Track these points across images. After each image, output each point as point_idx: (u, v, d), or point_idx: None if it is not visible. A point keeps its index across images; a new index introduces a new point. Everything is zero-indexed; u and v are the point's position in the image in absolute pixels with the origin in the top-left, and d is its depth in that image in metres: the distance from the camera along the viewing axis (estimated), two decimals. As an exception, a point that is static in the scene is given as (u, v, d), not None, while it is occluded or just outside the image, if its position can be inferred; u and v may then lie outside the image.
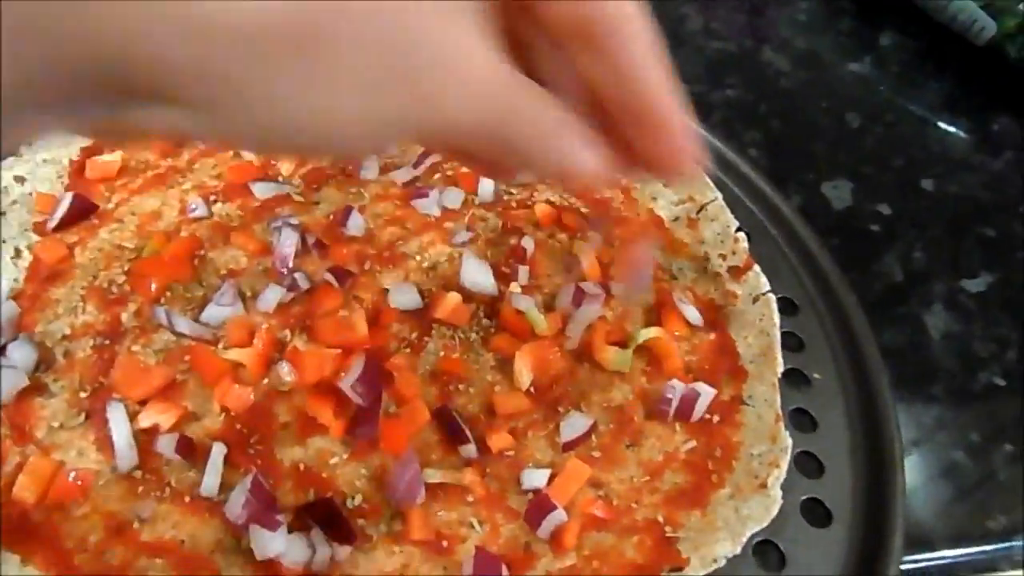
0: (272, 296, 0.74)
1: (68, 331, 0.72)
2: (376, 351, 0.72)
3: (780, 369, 0.74)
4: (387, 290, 0.77)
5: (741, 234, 0.84)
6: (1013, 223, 0.98)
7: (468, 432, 0.68)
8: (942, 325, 0.88)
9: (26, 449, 0.65)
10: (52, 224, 0.78)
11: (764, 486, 0.67)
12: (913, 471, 0.76)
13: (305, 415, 0.68)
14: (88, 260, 0.77)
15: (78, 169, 0.83)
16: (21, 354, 0.68)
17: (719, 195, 0.87)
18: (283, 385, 0.70)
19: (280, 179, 0.86)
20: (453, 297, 0.76)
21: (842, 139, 1.06)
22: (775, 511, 0.65)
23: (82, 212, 0.79)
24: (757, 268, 0.82)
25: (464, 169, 0.89)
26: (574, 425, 0.70)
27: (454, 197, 0.86)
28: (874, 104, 1.11)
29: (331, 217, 0.83)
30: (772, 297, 0.79)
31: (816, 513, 0.69)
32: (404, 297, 0.76)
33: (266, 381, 0.70)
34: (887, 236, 0.95)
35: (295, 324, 0.74)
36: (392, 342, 0.74)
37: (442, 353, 0.74)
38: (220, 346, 0.72)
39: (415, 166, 0.88)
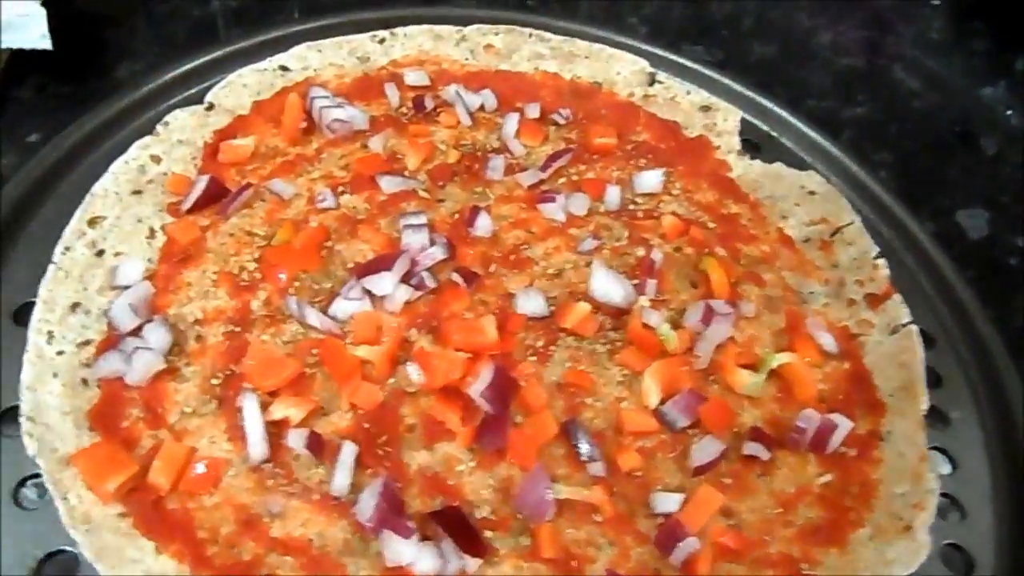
0: (400, 295, 0.73)
1: (200, 315, 0.72)
2: (503, 358, 0.71)
3: (925, 406, 0.71)
4: (512, 295, 0.76)
5: (882, 260, 0.80)
6: None
7: (596, 449, 0.66)
8: (1084, 367, 0.83)
9: (159, 433, 0.65)
10: (186, 206, 0.78)
11: (909, 529, 0.64)
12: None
13: (432, 419, 0.67)
14: (219, 244, 0.77)
15: (211, 152, 0.84)
16: (157, 336, 0.68)
17: (858, 218, 0.83)
18: (410, 386, 0.69)
19: (406, 173, 0.85)
20: (582, 307, 0.74)
21: (976, 165, 1.01)
22: (923, 557, 0.62)
23: (215, 195, 0.79)
24: (898, 297, 0.78)
25: (589, 176, 0.87)
26: (705, 449, 0.67)
27: (580, 203, 0.84)
28: (1009, 131, 1.06)
29: (456, 216, 0.82)
30: (915, 329, 0.76)
31: (955, 560, 0.66)
32: (532, 303, 0.75)
33: (393, 380, 0.69)
34: (1026, 271, 0.90)
35: (422, 324, 0.73)
36: (519, 349, 0.73)
37: (568, 364, 0.72)
38: (347, 342, 0.71)
39: (542, 169, 0.86)
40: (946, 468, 0.71)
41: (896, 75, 1.10)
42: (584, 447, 0.66)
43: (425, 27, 0.96)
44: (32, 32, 0.88)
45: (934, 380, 0.76)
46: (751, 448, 0.68)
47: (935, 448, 0.72)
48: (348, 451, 0.63)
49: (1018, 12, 1.17)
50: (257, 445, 0.63)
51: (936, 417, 0.74)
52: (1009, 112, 1.09)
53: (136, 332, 0.68)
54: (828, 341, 0.76)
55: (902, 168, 0.98)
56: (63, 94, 0.91)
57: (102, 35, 0.99)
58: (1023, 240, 0.93)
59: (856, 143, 1.00)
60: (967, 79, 1.12)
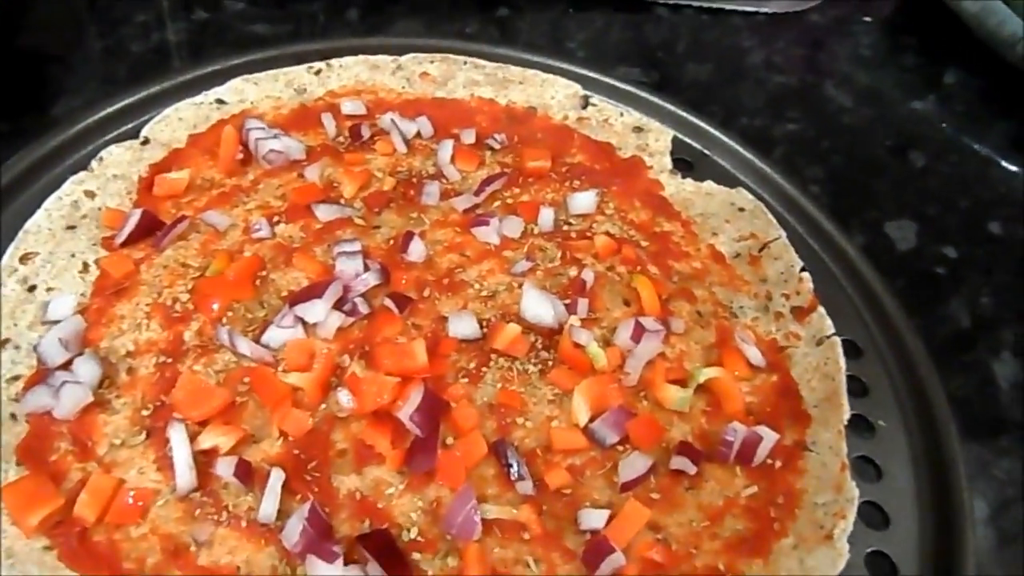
0: (333, 321, 0.74)
1: (132, 347, 0.72)
2: (434, 380, 0.72)
3: (846, 416, 0.73)
4: (446, 318, 0.77)
5: (806, 274, 0.82)
6: (1084, 270, 0.95)
7: (525, 468, 0.67)
8: (1011, 374, 0.85)
9: (87, 465, 0.65)
10: (120, 239, 0.79)
11: (830, 538, 0.65)
12: (981, 526, 0.73)
13: (362, 443, 0.68)
14: (153, 277, 0.77)
15: (147, 186, 0.84)
16: (86, 370, 0.69)
17: (783, 233, 0.86)
18: (341, 411, 0.69)
19: (342, 201, 0.86)
20: (512, 328, 0.75)
21: (906, 178, 1.03)
22: (842, 565, 0.63)
23: (149, 228, 0.80)
24: (822, 310, 0.80)
25: (524, 199, 0.89)
26: (633, 465, 0.69)
27: (514, 226, 0.85)
28: (938, 143, 1.09)
29: (391, 242, 0.83)
30: (837, 340, 0.78)
31: (880, 567, 0.67)
32: (463, 326, 0.76)
33: (324, 406, 0.70)
34: (953, 280, 0.93)
35: (355, 349, 0.74)
36: (450, 371, 0.74)
37: (500, 385, 0.73)
38: (280, 369, 0.72)
39: (476, 193, 0.87)
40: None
41: (828, 92, 1.13)
42: (513, 466, 0.67)
43: (361, 57, 0.98)
44: (-32, 71, 0.89)
45: (861, 390, 0.78)
46: (678, 463, 0.69)
47: (861, 457, 0.74)
48: (275, 478, 0.64)
49: (948, 27, 1.20)
50: (184, 475, 0.64)
51: (863, 426, 0.76)
52: (941, 125, 1.13)
53: (66, 366, 0.69)
54: (755, 355, 0.78)
55: (833, 182, 1.00)
56: (-1, 131, 0.92)
57: (40, 72, 1.00)
58: (950, 250, 0.95)
59: (788, 159, 1.02)
60: (898, 94, 1.15)
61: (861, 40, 1.23)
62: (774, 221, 0.87)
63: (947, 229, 0.98)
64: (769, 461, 0.71)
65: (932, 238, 0.96)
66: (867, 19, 1.26)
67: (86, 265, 0.77)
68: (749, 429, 0.71)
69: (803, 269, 0.83)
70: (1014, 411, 0.82)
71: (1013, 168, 1.08)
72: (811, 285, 0.82)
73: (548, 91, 0.98)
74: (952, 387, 0.81)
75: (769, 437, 0.71)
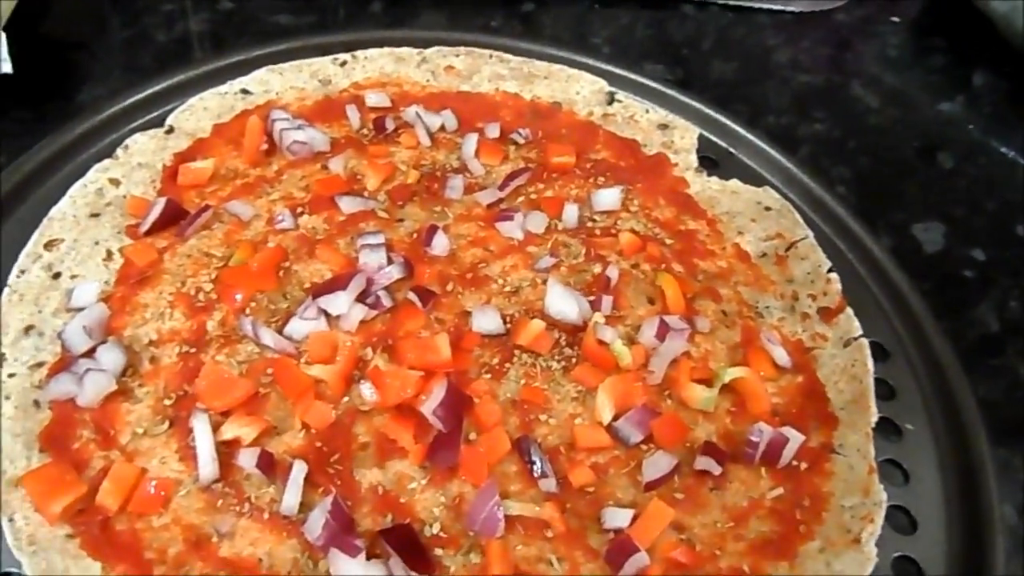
0: (356, 314, 0.73)
1: (155, 336, 0.72)
2: (457, 375, 0.71)
3: (874, 419, 0.72)
4: (469, 312, 0.76)
5: (834, 275, 0.81)
6: (1114, 275, 0.94)
7: (549, 466, 0.66)
8: (1039, 380, 0.84)
9: (110, 454, 0.65)
10: (144, 228, 0.79)
11: (857, 541, 0.64)
12: (1009, 531, 0.72)
13: (385, 437, 0.68)
14: (176, 266, 0.77)
15: (171, 175, 0.84)
16: (110, 358, 0.69)
17: (810, 233, 0.85)
18: (364, 405, 0.69)
19: (365, 194, 0.85)
20: (536, 325, 0.75)
21: (933, 180, 1.02)
22: (870, 569, 0.62)
23: (173, 217, 0.79)
24: (850, 311, 0.79)
25: (548, 194, 0.88)
26: (657, 464, 0.68)
27: (538, 221, 0.85)
28: (966, 145, 1.07)
29: (415, 235, 0.82)
30: (865, 342, 0.77)
31: (908, 572, 0.66)
32: (487, 321, 0.75)
33: (347, 399, 0.70)
34: (981, 283, 0.91)
35: (377, 343, 0.73)
36: (473, 367, 0.73)
37: (523, 381, 0.72)
38: (303, 361, 0.71)
39: (500, 188, 0.87)
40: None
41: (855, 91, 1.12)
42: (536, 463, 0.67)
43: (386, 50, 0.97)
44: (-7, 57, 0.89)
45: (888, 393, 0.77)
46: (703, 463, 0.69)
47: (888, 460, 0.73)
48: (298, 470, 0.64)
49: (976, 28, 1.19)
50: (207, 465, 0.63)
51: (890, 429, 0.75)
52: (968, 127, 1.11)
53: (89, 354, 0.69)
54: (782, 355, 0.77)
55: (859, 183, 0.99)
56: (24, 119, 0.92)
57: (65, 60, 1.00)
58: (978, 252, 0.94)
59: (814, 159, 1.01)
60: (925, 95, 1.14)
61: (888, 40, 1.21)
62: (801, 221, 0.86)
63: (975, 231, 0.96)
64: (795, 463, 0.70)
65: (960, 240, 0.95)
66: (894, 19, 1.24)
67: (110, 253, 0.77)
68: (775, 430, 0.70)
69: (831, 270, 0.82)
70: (1043, 417, 0.81)
71: (1043, 170, 1.07)
72: (839, 286, 0.81)
73: (573, 86, 0.98)
74: (980, 391, 0.80)
75: (795, 439, 0.70)
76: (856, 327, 0.78)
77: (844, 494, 0.68)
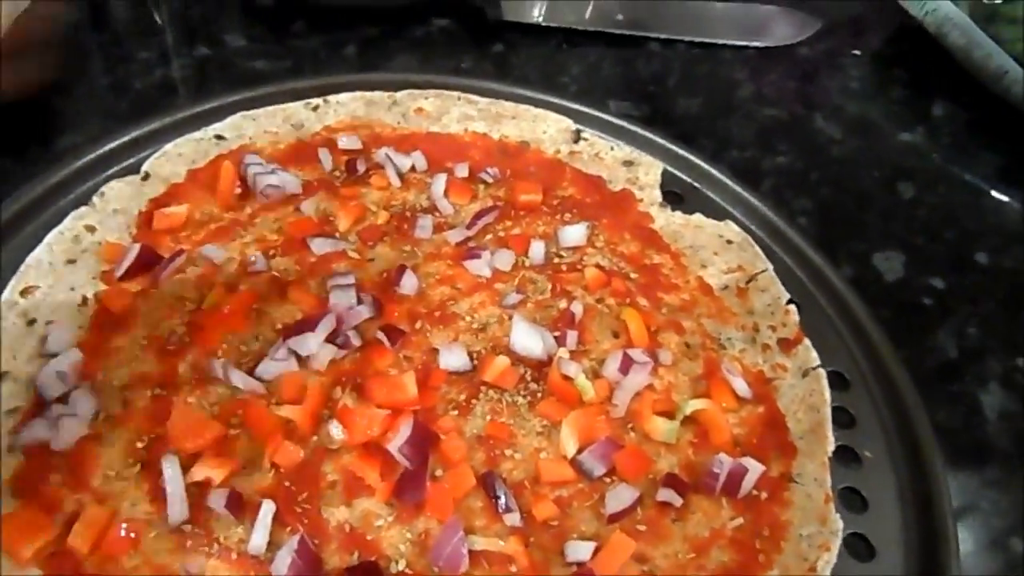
0: (325, 354, 0.75)
1: (128, 380, 0.74)
2: (424, 412, 0.73)
3: (831, 448, 0.73)
4: (437, 350, 0.78)
5: (792, 307, 0.84)
6: (1070, 301, 0.96)
7: (513, 500, 0.68)
8: (998, 404, 0.86)
9: (82, 497, 0.66)
10: (119, 273, 0.80)
11: (814, 570, 0.66)
12: (967, 559, 0.74)
13: (352, 475, 0.69)
14: (150, 310, 0.79)
15: (146, 220, 0.86)
16: (83, 402, 0.70)
17: (770, 266, 0.87)
18: (332, 443, 0.71)
19: (337, 235, 0.88)
20: (502, 361, 0.76)
21: (894, 209, 1.05)
22: (825, 598, 0.64)
23: (148, 262, 0.81)
24: (807, 342, 0.81)
25: (516, 232, 0.91)
26: (620, 496, 0.70)
27: (505, 259, 0.87)
28: (926, 174, 1.10)
29: (384, 275, 0.84)
30: (823, 372, 0.79)
31: (866, 599, 0.68)
32: (454, 359, 0.77)
33: (315, 438, 0.71)
34: (940, 311, 0.94)
35: (347, 381, 0.75)
36: (440, 404, 0.75)
37: (489, 417, 0.74)
38: (273, 401, 0.73)
39: (468, 227, 0.89)
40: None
41: (817, 124, 1.15)
42: (501, 498, 0.68)
43: (357, 93, 1.00)
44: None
45: (848, 421, 0.79)
46: (664, 495, 0.70)
47: (848, 488, 0.74)
48: (266, 510, 0.65)
49: (936, 60, 1.22)
50: (177, 506, 0.65)
51: (850, 457, 0.76)
52: (930, 156, 1.14)
53: (63, 399, 0.70)
54: (742, 386, 0.79)
55: (821, 214, 1.02)
56: (2, 166, 0.94)
57: (45, 108, 1.03)
58: (938, 281, 0.97)
59: (777, 191, 1.04)
60: (887, 126, 1.17)
61: (850, 73, 1.25)
62: (761, 253, 0.88)
63: (934, 260, 0.99)
64: (755, 492, 0.72)
65: (919, 269, 0.97)
66: (856, 52, 1.28)
67: (85, 299, 0.79)
68: (735, 460, 0.72)
69: (790, 301, 0.84)
70: (1001, 441, 0.83)
71: (1001, 198, 1.10)
72: (796, 317, 0.83)
73: (540, 126, 1.00)
74: (939, 418, 0.82)
75: (755, 469, 0.71)
76: (813, 357, 0.80)
77: (802, 523, 0.70)
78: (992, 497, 0.79)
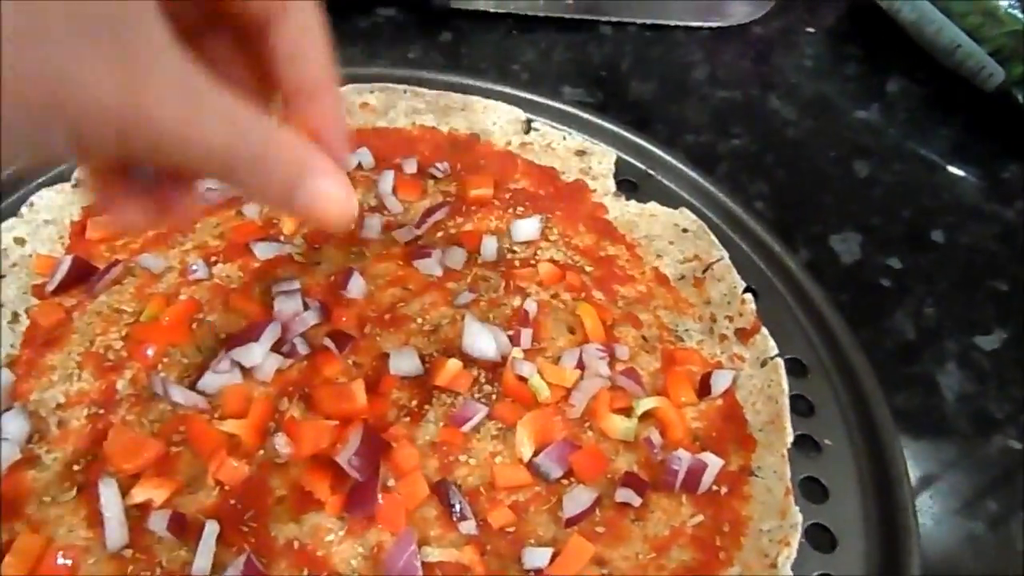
0: (270, 364, 0.73)
1: (63, 400, 0.71)
2: (375, 420, 0.71)
3: (790, 439, 0.72)
4: (387, 355, 0.76)
5: (748, 296, 0.82)
6: (1025, 276, 0.96)
7: (468, 508, 0.66)
8: (956, 385, 0.86)
9: (15, 525, 0.63)
10: (51, 287, 0.77)
11: (774, 566, 0.65)
12: (928, 541, 0.73)
13: (301, 489, 0.67)
14: (85, 324, 0.76)
15: (79, 229, 0.83)
16: (14, 425, 0.67)
17: (725, 254, 0.85)
18: (279, 457, 0.68)
19: (281, 239, 0.85)
20: (454, 364, 0.74)
21: (850, 189, 1.04)
22: (785, 594, 0.63)
23: (82, 274, 0.78)
24: (765, 331, 0.80)
25: (467, 228, 0.88)
26: (577, 499, 0.68)
27: (457, 256, 0.84)
28: (882, 152, 1.10)
29: (332, 278, 0.82)
30: (780, 362, 0.77)
31: (828, 589, 0.67)
32: (404, 363, 0.75)
33: (262, 453, 0.69)
34: (898, 291, 0.93)
35: (293, 392, 0.73)
36: (392, 410, 0.73)
37: (442, 423, 0.72)
38: (216, 416, 0.70)
39: (417, 225, 0.87)
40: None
41: (772, 104, 1.13)
42: (456, 506, 0.67)
43: (300, 89, 0.96)
44: None
45: (807, 409, 0.78)
46: (623, 495, 0.69)
47: (808, 478, 0.74)
48: (209, 531, 0.63)
49: (890, 35, 1.21)
50: (115, 531, 0.62)
51: (810, 446, 0.76)
52: (884, 133, 1.13)
53: (-7, 423, 0.67)
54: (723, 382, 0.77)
55: (777, 197, 1.01)
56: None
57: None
58: (894, 261, 0.96)
59: (733, 175, 1.02)
60: (842, 103, 1.16)
61: (805, 51, 1.24)
62: (716, 241, 0.87)
63: (891, 240, 0.98)
64: (715, 488, 0.71)
65: (876, 249, 0.97)
66: (810, 30, 1.26)
67: (16, 315, 0.76)
68: (694, 456, 0.70)
69: (746, 290, 0.83)
70: (959, 422, 0.83)
71: (957, 172, 1.09)
72: (753, 306, 0.82)
73: (490, 117, 0.98)
74: (898, 400, 0.82)
75: (714, 464, 0.70)
76: (771, 347, 0.79)
77: (763, 517, 0.69)
78: (950, 478, 0.79)
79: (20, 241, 0.80)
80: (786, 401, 0.75)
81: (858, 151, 1.09)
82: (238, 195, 0.88)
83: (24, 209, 0.82)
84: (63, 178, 0.86)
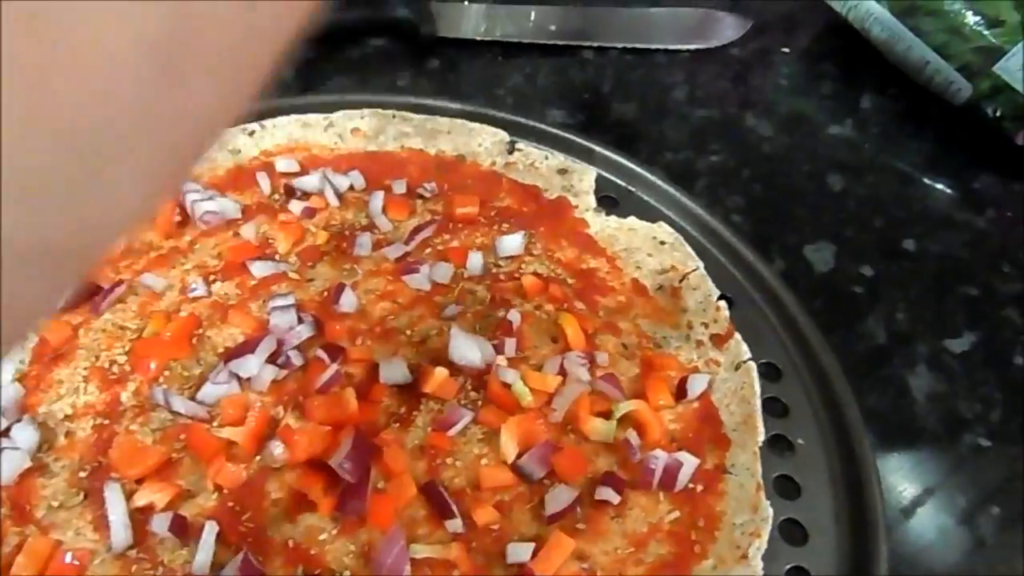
0: (266, 375, 0.77)
1: (70, 411, 0.75)
2: (366, 426, 0.75)
3: (761, 437, 0.76)
4: (378, 365, 0.80)
5: (722, 302, 0.86)
6: (995, 281, 1.00)
7: (454, 506, 0.70)
8: (926, 386, 0.89)
9: (26, 529, 0.67)
10: (59, 306, 0.81)
11: (745, 557, 0.68)
12: (900, 538, 0.77)
13: (296, 492, 0.71)
14: (91, 341, 0.80)
15: (83, 253, 0.87)
16: (24, 436, 0.71)
17: (701, 264, 0.89)
18: (275, 462, 0.72)
19: (277, 257, 0.89)
20: (440, 372, 0.78)
21: (824, 201, 1.08)
22: (755, 582, 0.66)
23: (88, 294, 0.82)
24: (738, 336, 0.84)
25: (454, 244, 0.93)
26: (559, 498, 0.72)
27: (444, 271, 0.89)
28: (856, 165, 1.14)
29: (325, 294, 0.86)
30: (753, 365, 0.81)
31: (800, 582, 0.70)
32: (394, 372, 0.79)
33: (258, 458, 0.73)
34: (870, 298, 0.97)
35: (288, 401, 0.76)
36: (382, 417, 0.76)
37: (430, 428, 0.76)
38: (215, 424, 0.74)
39: (406, 243, 0.91)
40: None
41: (749, 122, 1.18)
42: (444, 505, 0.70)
43: (293, 117, 1.01)
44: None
45: (781, 410, 0.82)
46: (603, 493, 0.72)
47: (782, 476, 0.77)
48: (208, 530, 0.66)
49: (863, 54, 1.26)
50: (120, 533, 0.66)
51: (783, 445, 0.79)
52: (860, 146, 1.18)
53: (5, 433, 0.71)
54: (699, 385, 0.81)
55: (753, 210, 1.05)
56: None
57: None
58: (867, 269, 1.00)
59: (711, 190, 1.07)
60: (817, 120, 1.21)
61: (781, 71, 1.28)
62: (692, 252, 0.91)
63: (864, 249, 1.02)
64: (691, 486, 0.74)
65: (849, 258, 1.01)
66: (786, 50, 1.31)
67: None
68: (670, 455, 0.74)
69: (720, 297, 0.87)
70: (929, 422, 0.86)
71: (928, 183, 1.13)
72: (727, 313, 0.85)
73: (476, 139, 1.02)
74: (869, 402, 0.85)
75: (690, 463, 0.74)
76: (745, 351, 0.83)
77: (736, 512, 0.72)
78: (920, 478, 0.82)
79: (29, 264, 0.84)
80: (758, 402, 0.78)
81: (833, 165, 1.13)
82: (236, 218, 0.92)
83: (33, 233, 0.86)
84: (70, 204, 0.90)
